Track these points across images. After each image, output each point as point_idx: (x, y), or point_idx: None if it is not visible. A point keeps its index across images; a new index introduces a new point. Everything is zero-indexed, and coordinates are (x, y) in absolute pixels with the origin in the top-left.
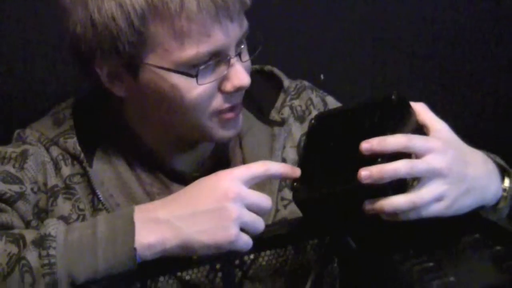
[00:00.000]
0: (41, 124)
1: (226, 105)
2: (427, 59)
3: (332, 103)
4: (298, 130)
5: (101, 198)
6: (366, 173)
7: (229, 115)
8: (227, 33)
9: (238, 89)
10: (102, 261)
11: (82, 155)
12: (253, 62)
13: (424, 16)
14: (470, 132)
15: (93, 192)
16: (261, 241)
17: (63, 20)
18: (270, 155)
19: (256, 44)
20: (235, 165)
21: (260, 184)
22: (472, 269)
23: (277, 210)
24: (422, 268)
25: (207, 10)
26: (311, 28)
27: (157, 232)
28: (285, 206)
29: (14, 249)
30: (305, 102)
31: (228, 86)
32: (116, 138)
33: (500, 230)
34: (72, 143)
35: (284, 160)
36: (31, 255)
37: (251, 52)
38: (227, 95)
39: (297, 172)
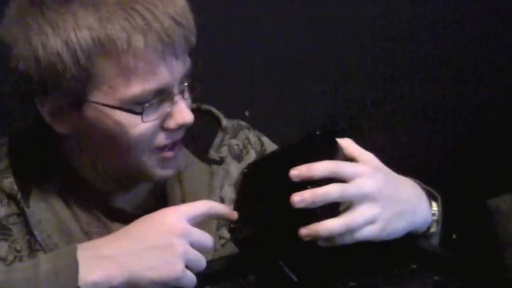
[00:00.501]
0: None
1: (168, 141)
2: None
3: (268, 143)
4: (235, 169)
5: (39, 239)
6: (298, 198)
7: (169, 153)
8: (172, 71)
9: (181, 126)
10: None
11: (19, 195)
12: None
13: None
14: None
15: (30, 232)
16: (203, 277)
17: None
18: (208, 194)
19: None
20: (174, 202)
21: (199, 223)
22: None
23: (215, 249)
24: None
25: (153, 47)
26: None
27: (102, 269)
28: (223, 245)
29: None
30: (243, 141)
31: (172, 123)
32: (54, 175)
33: (436, 259)
34: (9, 183)
35: (222, 199)
36: None
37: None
38: (169, 131)
39: (235, 215)
